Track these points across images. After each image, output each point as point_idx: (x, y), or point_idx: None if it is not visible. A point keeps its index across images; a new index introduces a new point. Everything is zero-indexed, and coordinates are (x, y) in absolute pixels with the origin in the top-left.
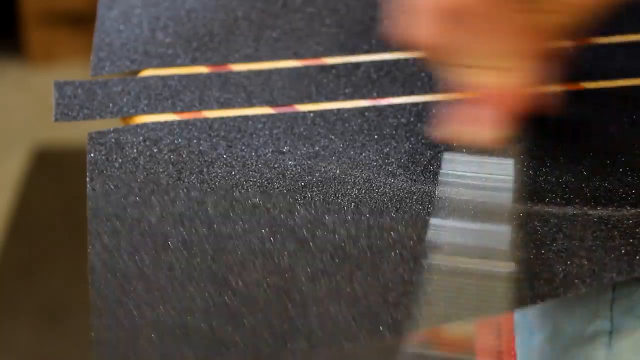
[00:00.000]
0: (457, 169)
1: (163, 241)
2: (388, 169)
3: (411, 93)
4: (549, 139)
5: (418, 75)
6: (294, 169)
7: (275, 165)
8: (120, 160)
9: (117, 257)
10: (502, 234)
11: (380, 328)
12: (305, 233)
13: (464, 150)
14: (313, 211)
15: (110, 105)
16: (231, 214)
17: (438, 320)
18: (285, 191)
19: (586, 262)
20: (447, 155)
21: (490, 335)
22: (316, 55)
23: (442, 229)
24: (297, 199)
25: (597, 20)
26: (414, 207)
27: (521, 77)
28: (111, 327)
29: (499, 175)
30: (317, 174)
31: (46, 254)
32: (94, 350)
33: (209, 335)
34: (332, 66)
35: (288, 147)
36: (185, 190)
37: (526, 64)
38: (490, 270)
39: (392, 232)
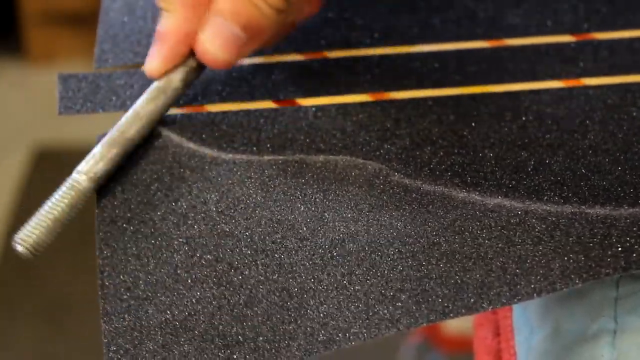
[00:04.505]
0: None
1: (167, 241)
2: (389, 166)
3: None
4: (547, 137)
5: (421, 69)
6: (295, 165)
7: (279, 161)
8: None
9: (125, 259)
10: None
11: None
12: (305, 229)
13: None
14: (313, 208)
15: (114, 98)
16: (232, 212)
17: None
18: (286, 188)
19: (583, 258)
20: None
21: (488, 334)
22: (319, 49)
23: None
24: (298, 196)
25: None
26: (413, 204)
27: (184, 18)
28: (120, 330)
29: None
30: (317, 171)
31: (46, 253)
32: (104, 354)
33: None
34: (335, 60)
35: (290, 142)
36: (188, 188)
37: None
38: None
39: (390, 229)
